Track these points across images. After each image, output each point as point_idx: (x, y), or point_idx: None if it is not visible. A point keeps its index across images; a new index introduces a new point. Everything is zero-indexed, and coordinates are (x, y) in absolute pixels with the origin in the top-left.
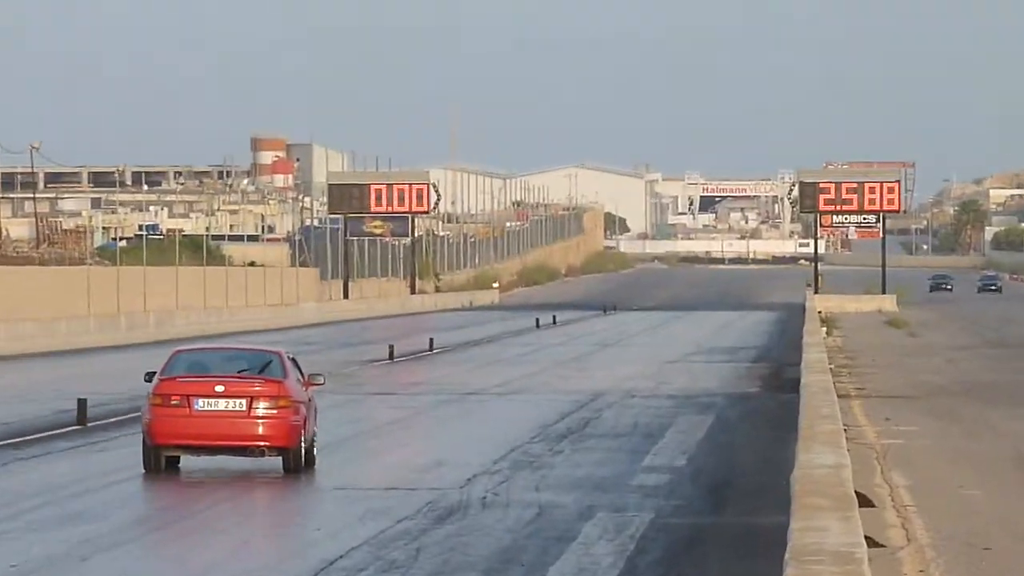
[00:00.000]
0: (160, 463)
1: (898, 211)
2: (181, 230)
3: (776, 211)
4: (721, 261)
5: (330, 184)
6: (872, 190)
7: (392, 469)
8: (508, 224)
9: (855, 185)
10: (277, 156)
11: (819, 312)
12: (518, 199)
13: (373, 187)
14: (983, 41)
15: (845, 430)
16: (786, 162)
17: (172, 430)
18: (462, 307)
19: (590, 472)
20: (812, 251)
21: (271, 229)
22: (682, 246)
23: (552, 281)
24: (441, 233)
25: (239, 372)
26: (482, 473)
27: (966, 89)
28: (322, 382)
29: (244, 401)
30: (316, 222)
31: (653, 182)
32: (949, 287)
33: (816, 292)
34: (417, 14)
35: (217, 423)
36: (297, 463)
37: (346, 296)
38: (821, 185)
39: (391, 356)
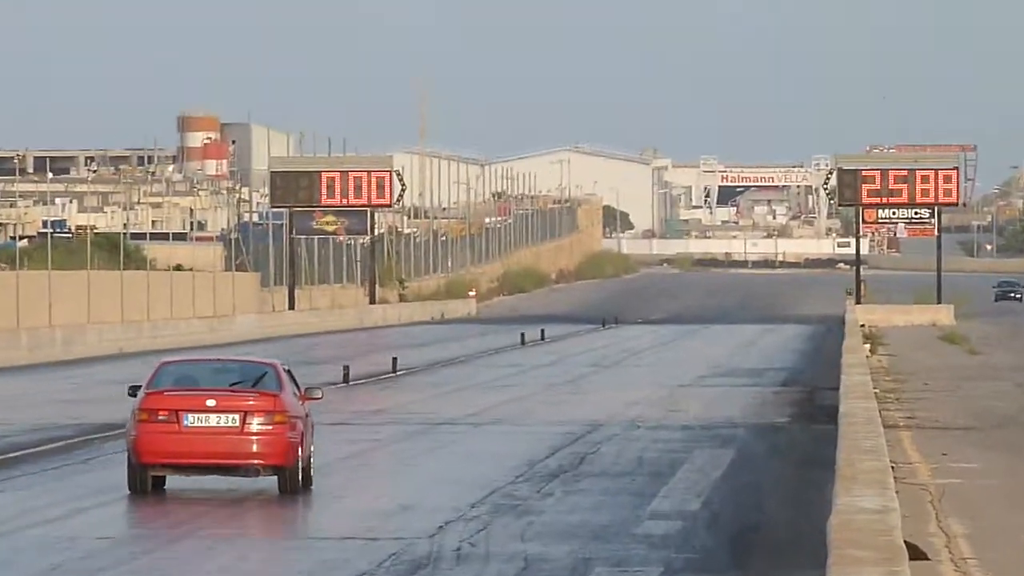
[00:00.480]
0: (147, 484)
1: (956, 204)
2: (94, 227)
3: (810, 204)
4: (744, 264)
5: (272, 171)
6: (925, 179)
7: (349, 514)
8: (487, 220)
9: (905, 173)
10: (209, 138)
11: (862, 326)
12: (499, 190)
13: (324, 175)
14: None
15: (893, 468)
16: (822, 146)
17: (160, 447)
18: (432, 320)
19: (586, 518)
20: (853, 252)
21: (202, 226)
22: (696, 246)
23: (540, 288)
24: (407, 231)
25: (231, 385)
26: (456, 519)
27: None
28: (319, 396)
29: (237, 416)
30: (256, 217)
31: (662, 169)
32: (1019, 296)
33: (858, 302)
34: None
35: (208, 440)
36: (294, 483)
37: (292, 307)
38: (864, 173)
39: (347, 379)
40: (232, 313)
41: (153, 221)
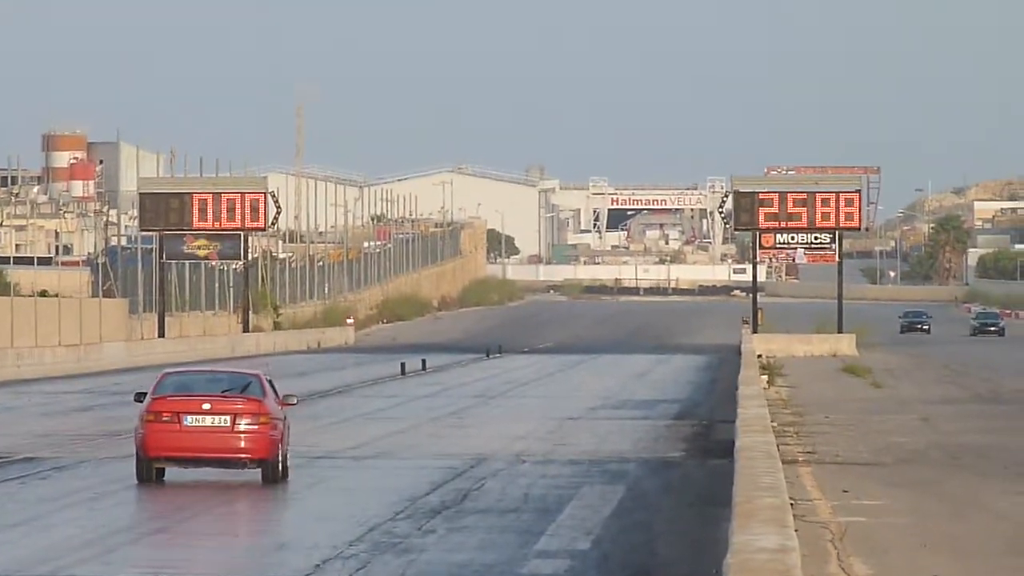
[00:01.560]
0: (152, 474)
1: (859, 228)
2: None
3: (704, 229)
4: (636, 291)
5: (141, 193)
6: (826, 202)
7: (223, 552)
8: (366, 244)
9: (804, 196)
10: (76, 158)
11: (759, 356)
12: (378, 213)
13: (196, 197)
14: (961, 21)
15: (792, 505)
16: (717, 167)
17: (164, 443)
18: (308, 349)
19: (470, 557)
20: (750, 279)
21: (68, 250)
22: (585, 272)
23: (421, 316)
24: (282, 255)
25: (223, 392)
26: (334, 558)
27: (942, 78)
28: (295, 402)
29: (228, 418)
30: (124, 241)
31: (549, 191)
32: (926, 327)
33: (755, 331)
34: None
35: (204, 437)
36: (275, 474)
37: (162, 334)
38: (761, 196)
39: None
40: (99, 341)
41: (17, 244)
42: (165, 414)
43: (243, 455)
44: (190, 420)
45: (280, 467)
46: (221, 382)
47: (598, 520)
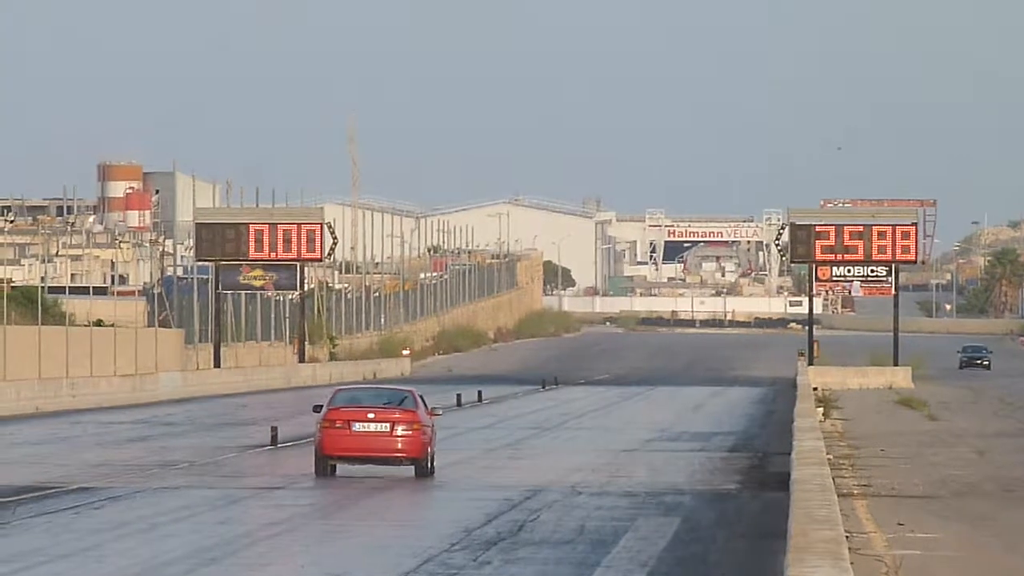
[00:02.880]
0: (328, 469)
1: (915, 262)
2: (10, 280)
3: (761, 261)
4: (691, 324)
5: (197, 223)
6: (882, 235)
7: None
8: (422, 275)
9: (860, 229)
10: (131, 188)
11: (814, 388)
12: (435, 244)
13: (252, 227)
14: (1016, 54)
15: (847, 538)
16: (773, 200)
17: (337, 445)
18: (364, 380)
19: None
20: (806, 312)
21: (123, 280)
22: (642, 304)
23: (478, 347)
24: (338, 286)
25: (384, 404)
26: None
27: (998, 110)
28: (440, 413)
29: (388, 425)
30: (180, 271)
31: (606, 223)
32: (986, 363)
33: (811, 363)
34: (304, 15)
35: (369, 440)
36: (424, 470)
37: (217, 365)
38: (817, 229)
39: (274, 441)
40: (155, 371)
41: (72, 274)
42: (338, 422)
43: (400, 455)
44: (358, 426)
45: (429, 465)
46: (382, 396)
47: (653, 552)
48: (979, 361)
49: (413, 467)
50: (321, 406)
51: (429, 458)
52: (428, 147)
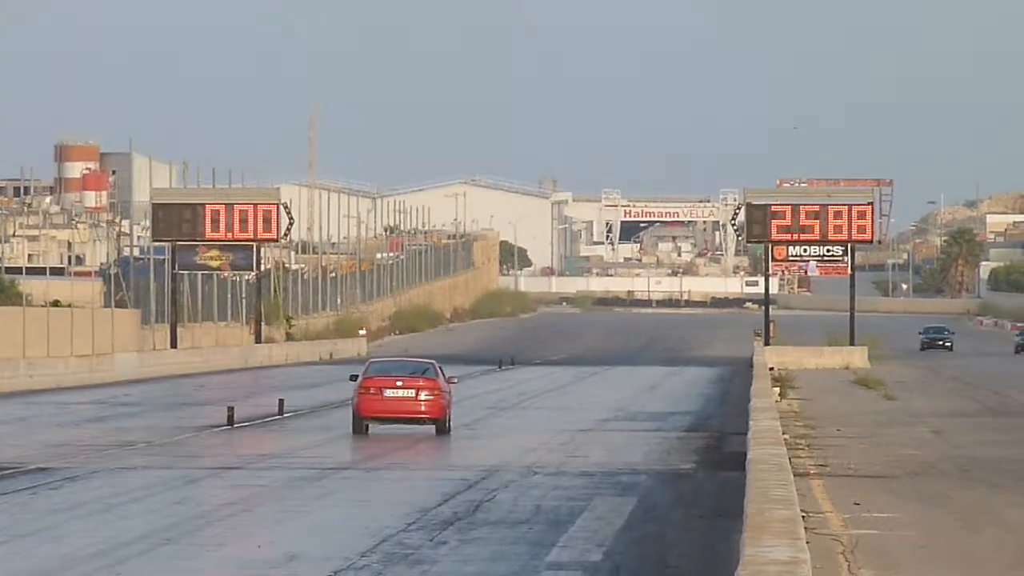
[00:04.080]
0: (363, 428)
1: (871, 241)
2: None
3: (717, 241)
4: (648, 304)
5: (154, 203)
6: (838, 215)
7: (231, 564)
8: (379, 256)
9: (816, 208)
10: (88, 168)
11: (771, 368)
12: (391, 224)
13: (209, 208)
14: (974, 31)
15: (803, 517)
16: (729, 180)
17: (371, 408)
18: (320, 360)
19: (482, 569)
20: (762, 291)
21: (80, 260)
22: (598, 284)
23: (434, 328)
24: (294, 266)
25: (410, 374)
26: (345, 569)
27: (955, 90)
28: (456, 381)
29: (413, 391)
30: (136, 252)
31: (562, 203)
32: (948, 344)
33: (767, 343)
34: None
35: (397, 404)
36: (443, 428)
37: (174, 345)
38: (774, 208)
39: (231, 421)
40: (112, 352)
41: (29, 255)
42: (372, 388)
43: (423, 416)
44: (388, 392)
45: (447, 424)
46: (408, 367)
47: (610, 532)
48: (941, 342)
49: (434, 426)
50: (357, 376)
51: (447, 419)
52: (384, 127)
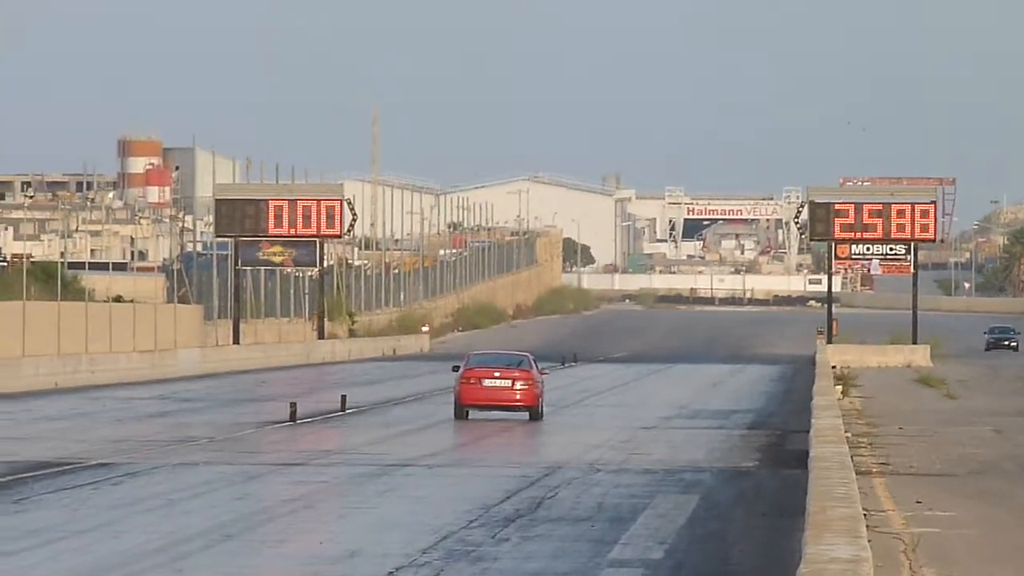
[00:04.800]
0: (464, 414)
1: (934, 240)
2: (30, 256)
3: (780, 239)
4: (711, 301)
5: (217, 199)
6: (901, 214)
7: (292, 561)
8: (442, 252)
9: (879, 207)
10: (151, 164)
11: (833, 367)
12: (454, 221)
13: (272, 203)
14: None
15: (865, 516)
16: (793, 178)
17: (471, 396)
18: (383, 356)
19: (543, 566)
20: (825, 290)
21: (143, 256)
22: (660, 282)
23: (497, 324)
24: (357, 263)
25: (506, 365)
26: (406, 566)
27: (1018, 90)
28: (548, 372)
29: (509, 381)
30: (199, 247)
31: (625, 201)
32: (1014, 344)
33: (830, 341)
34: None
35: (495, 392)
36: (536, 415)
37: (236, 341)
38: (837, 207)
39: (293, 417)
40: (174, 347)
41: (92, 250)
42: (472, 379)
43: (518, 403)
44: (487, 382)
45: (539, 411)
46: (504, 359)
47: (672, 529)
48: (1007, 342)
49: (528, 413)
50: (459, 367)
51: (540, 406)
52: (448, 124)
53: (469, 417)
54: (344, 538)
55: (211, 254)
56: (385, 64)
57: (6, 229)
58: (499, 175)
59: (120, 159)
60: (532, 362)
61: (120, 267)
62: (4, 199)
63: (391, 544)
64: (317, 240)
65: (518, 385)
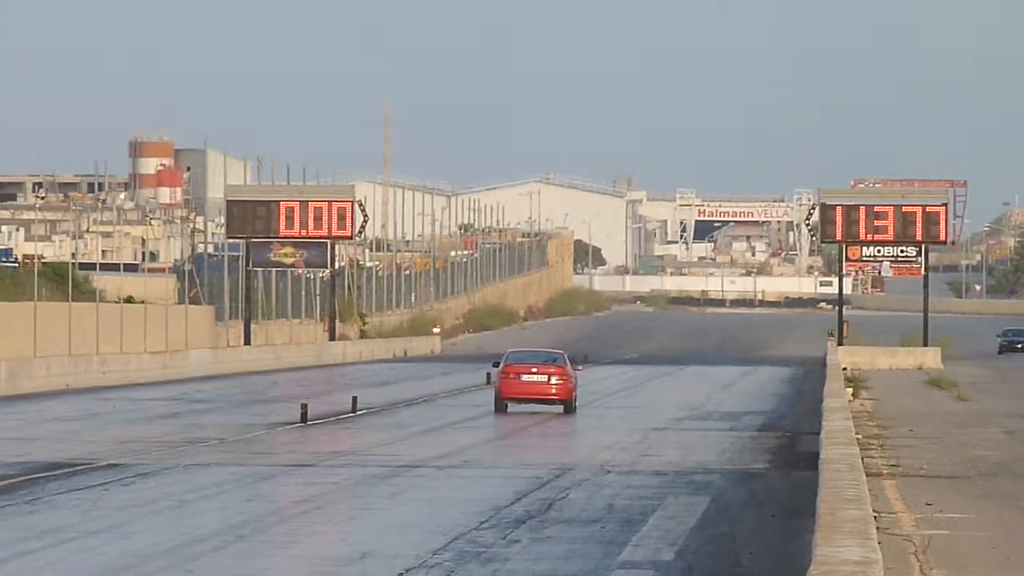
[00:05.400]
0: (504, 408)
1: (945, 242)
2: (41, 256)
3: (791, 241)
4: (721, 303)
5: (228, 200)
6: (911, 216)
7: (303, 562)
8: (453, 254)
9: (890, 209)
10: (162, 164)
11: (844, 368)
12: (466, 222)
13: (283, 204)
14: None
15: (875, 517)
16: (803, 180)
17: (510, 390)
18: (394, 357)
19: (554, 567)
20: (836, 291)
21: (154, 256)
22: (672, 284)
23: (508, 326)
24: (368, 264)
25: (543, 362)
26: (417, 567)
27: None
28: (581, 368)
29: (546, 376)
30: (211, 248)
31: (636, 202)
32: None
33: (840, 343)
34: None
35: (532, 387)
36: (570, 408)
37: (247, 342)
38: (848, 209)
39: (304, 418)
40: (185, 348)
41: (103, 251)
42: (511, 374)
43: (553, 397)
44: (525, 377)
45: (573, 404)
46: (541, 356)
47: (682, 531)
48: (1020, 345)
49: (562, 406)
50: (499, 362)
51: (573, 400)
52: (459, 126)
53: (508, 410)
54: (355, 539)
55: (222, 255)
56: (397, 65)
57: (18, 230)
58: (511, 177)
59: (132, 160)
60: (566, 359)
61: (131, 268)
62: (16, 200)
63: (402, 545)
64: (328, 241)
65: (553, 380)
